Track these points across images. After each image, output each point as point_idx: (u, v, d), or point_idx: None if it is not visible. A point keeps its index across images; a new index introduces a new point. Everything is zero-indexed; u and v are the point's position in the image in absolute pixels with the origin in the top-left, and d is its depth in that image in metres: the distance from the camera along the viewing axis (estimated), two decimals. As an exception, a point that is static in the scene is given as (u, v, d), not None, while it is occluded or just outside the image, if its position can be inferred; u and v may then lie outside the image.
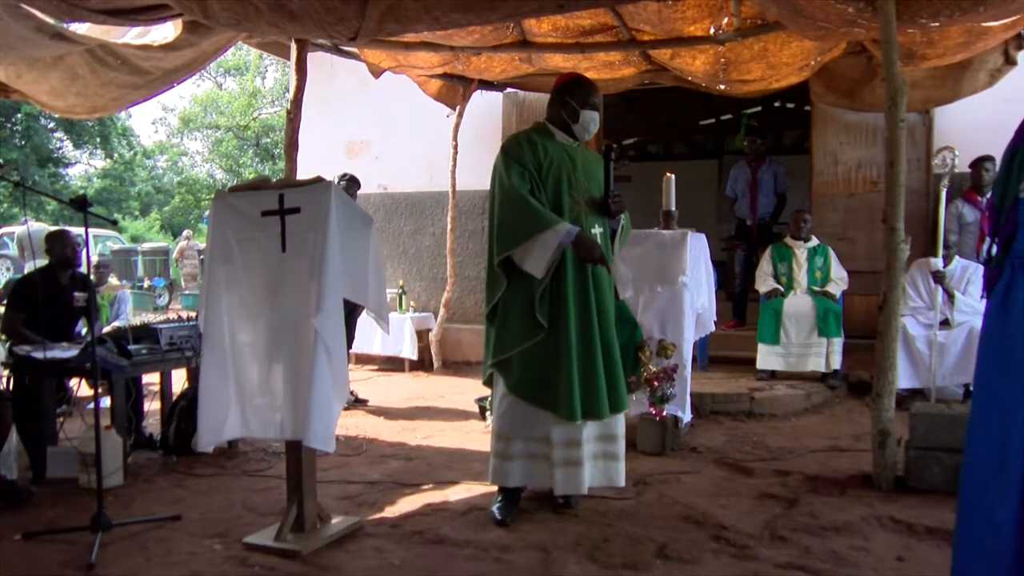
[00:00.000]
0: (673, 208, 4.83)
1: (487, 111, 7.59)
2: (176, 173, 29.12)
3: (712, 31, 4.94)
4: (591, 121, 3.37)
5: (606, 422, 3.34)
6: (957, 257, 5.51)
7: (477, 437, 4.86)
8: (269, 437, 3.34)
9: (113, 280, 7.31)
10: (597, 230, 3.35)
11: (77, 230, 8.20)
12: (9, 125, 21.70)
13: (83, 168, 27.72)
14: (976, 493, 2.02)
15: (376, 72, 6.11)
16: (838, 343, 5.75)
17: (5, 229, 16.09)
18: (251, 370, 3.12)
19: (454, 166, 7.24)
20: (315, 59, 5.73)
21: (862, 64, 5.73)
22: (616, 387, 3.32)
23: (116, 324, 5.95)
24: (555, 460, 3.26)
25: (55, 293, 4.75)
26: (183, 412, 4.39)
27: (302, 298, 2.97)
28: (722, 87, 5.94)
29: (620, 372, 3.37)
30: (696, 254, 4.69)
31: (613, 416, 3.35)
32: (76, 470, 3.86)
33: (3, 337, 4.86)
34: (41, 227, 10.28)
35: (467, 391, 6.07)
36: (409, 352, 7.33)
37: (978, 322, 4.53)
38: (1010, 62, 5.37)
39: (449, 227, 7.40)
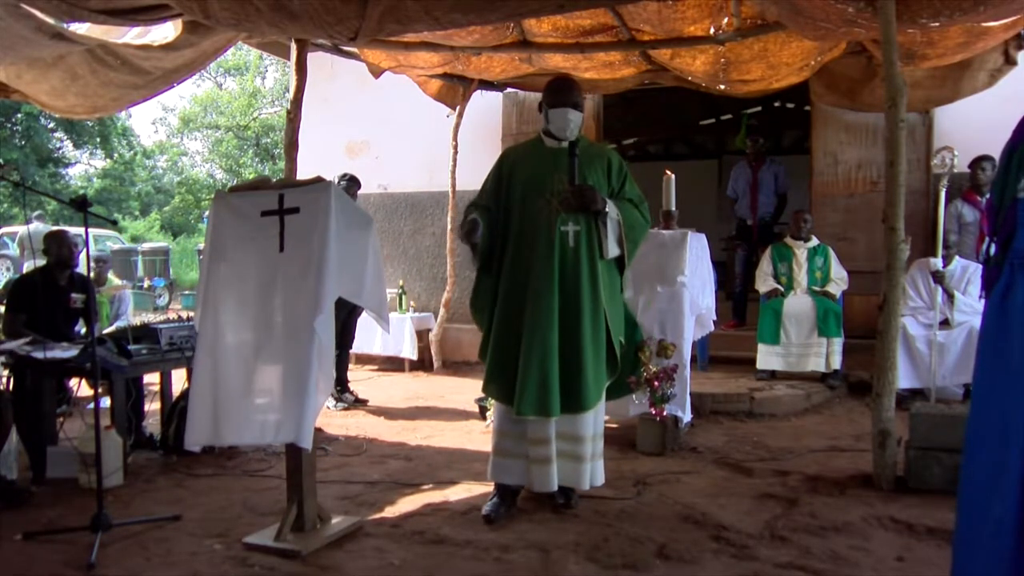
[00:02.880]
0: (673, 208, 4.83)
1: (487, 111, 7.59)
2: (176, 173, 29.06)
3: (712, 31, 4.94)
4: (559, 118, 3.41)
5: (569, 422, 3.35)
6: (957, 257, 5.51)
7: (477, 437, 4.86)
8: (245, 443, 3.32)
9: (116, 280, 7.30)
10: (570, 228, 3.35)
11: (76, 230, 8.20)
12: (9, 125, 21.67)
13: (83, 168, 27.71)
14: (975, 492, 2.02)
15: (376, 72, 6.11)
16: (838, 343, 5.75)
17: (5, 229, 16.07)
18: (242, 370, 3.10)
19: (454, 166, 7.24)
20: (315, 59, 5.73)
21: (862, 64, 5.72)
22: (576, 388, 3.30)
23: (117, 324, 5.95)
24: (530, 457, 3.37)
25: (53, 293, 4.75)
26: (183, 412, 4.35)
27: (298, 298, 2.97)
28: (722, 87, 5.94)
29: (586, 375, 3.31)
30: (697, 254, 4.69)
31: (575, 416, 3.34)
32: (76, 470, 3.86)
33: (3, 338, 4.85)
34: (43, 227, 10.27)
35: (467, 391, 6.06)
36: (409, 352, 7.33)
37: (978, 322, 4.54)
38: (1010, 62, 5.37)
39: (449, 227, 7.40)
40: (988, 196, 2.32)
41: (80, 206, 3.17)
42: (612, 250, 3.39)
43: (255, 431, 3.05)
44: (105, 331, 4.89)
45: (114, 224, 9.24)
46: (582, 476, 3.39)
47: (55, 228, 6.15)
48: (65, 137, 23.90)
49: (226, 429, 3.09)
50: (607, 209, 3.35)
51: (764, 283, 6.11)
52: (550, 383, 3.26)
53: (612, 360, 3.46)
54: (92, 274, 6.82)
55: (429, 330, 7.65)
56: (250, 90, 25.67)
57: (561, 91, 3.45)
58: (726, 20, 4.76)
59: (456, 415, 5.57)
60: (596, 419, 3.47)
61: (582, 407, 3.32)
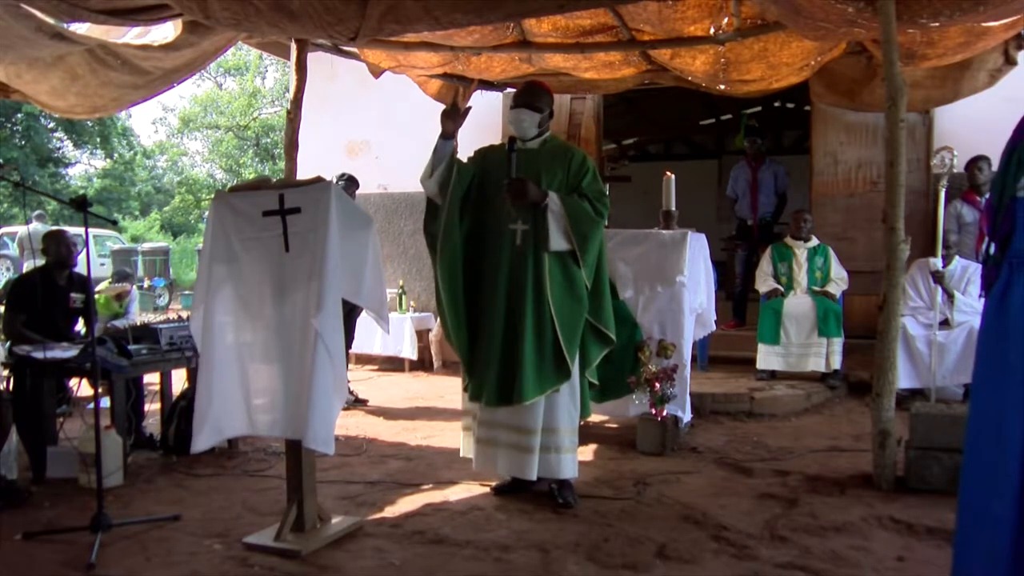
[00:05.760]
0: (673, 208, 4.83)
1: (487, 111, 7.58)
2: (176, 173, 29.05)
3: (712, 31, 4.94)
4: (513, 118, 3.61)
5: (514, 413, 3.46)
6: (957, 257, 5.50)
7: (477, 437, 4.85)
8: (272, 435, 3.37)
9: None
10: (519, 227, 3.49)
11: (76, 230, 8.18)
12: (9, 125, 21.64)
13: (83, 168, 27.69)
14: (975, 491, 2.03)
15: (376, 72, 6.11)
16: (838, 343, 5.75)
17: (5, 229, 16.06)
18: (254, 370, 3.13)
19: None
20: (315, 59, 5.73)
21: (862, 64, 5.72)
22: (513, 381, 3.40)
23: (123, 322, 5.95)
24: (478, 437, 3.59)
25: (53, 293, 4.75)
26: (183, 412, 4.39)
27: (305, 298, 2.97)
28: (722, 87, 5.94)
29: (524, 370, 3.39)
30: (695, 254, 4.69)
31: (518, 408, 3.43)
32: (76, 470, 3.86)
33: (3, 337, 4.86)
34: (43, 227, 10.27)
35: (467, 391, 6.06)
36: (409, 352, 7.32)
37: (978, 322, 4.54)
38: (1010, 62, 5.36)
39: (449, 227, 7.38)
40: (988, 196, 2.32)
41: (80, 206, 3.17)
42: (556, 243, 3.45)
43: (275, 427, 3.10)
44: (113, 323, 4.87)
45: (114, 224, 9.25)
46: (526, 466, 3.47)
47: (54, 228, 6.14)
48: (65, 137, 23.88)
49: (239, 427, 3.17)
50: (548, 202, 3.43)
51: (764, 283, 6.10)
52: (487, 372, 3.45)
53: (560, 359, 3.45)
54: (119, 305, 6.77)
55: (429, 330, 7.65)
56: (250, 90, 25.65)
57: (519, 94, 3.64)
58: (726, 20, 4.76)
59: (456, 415, 5.53)
60: (559, 412, 3.51)
61: (518, 399, 3.41)
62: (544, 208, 3.43)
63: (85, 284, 4.83)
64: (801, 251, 6.05)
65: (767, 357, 5.88)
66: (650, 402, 4.33)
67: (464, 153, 3.79)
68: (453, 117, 3.57)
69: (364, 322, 6.17)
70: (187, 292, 14.78)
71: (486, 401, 3.48)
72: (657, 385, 4.25)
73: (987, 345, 2.07)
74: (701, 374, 6.08)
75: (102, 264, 15.19)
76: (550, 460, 3.49)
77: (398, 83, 6.73)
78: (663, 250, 4.57)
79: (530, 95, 3.61)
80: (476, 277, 3.61)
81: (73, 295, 4.85)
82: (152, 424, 4.82)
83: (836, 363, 5.77)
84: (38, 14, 3.59)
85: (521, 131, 3.58)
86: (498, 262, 3.51)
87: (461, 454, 3.85)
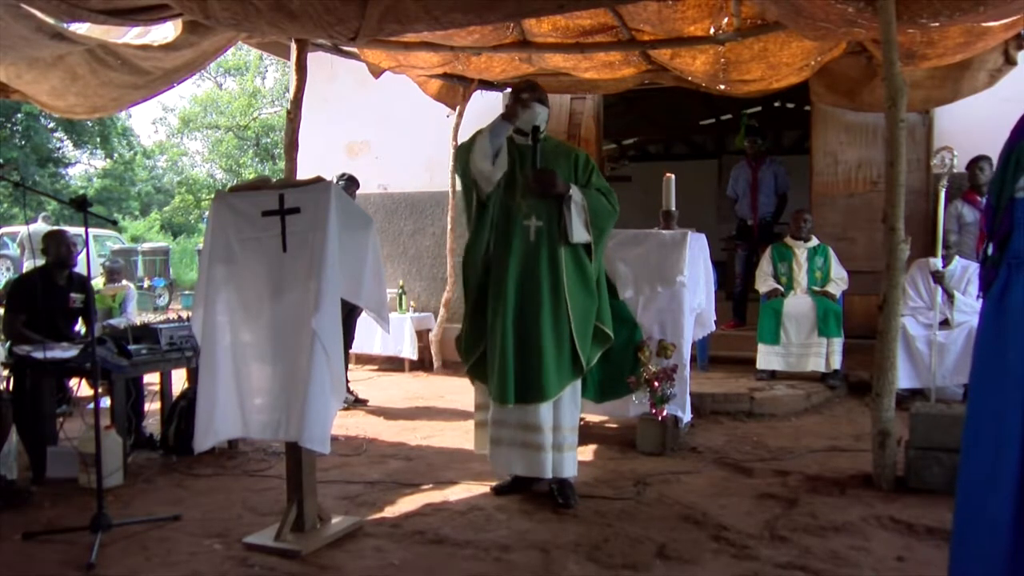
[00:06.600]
0: (673, 208, 4.83)
1: (487, 111, 7.56)
2: (176, 173, 29.03)
3: (712, 31, 4.94)
4: (532, 113, 3.56)
5: (524, 411, 3.45)
6: (957, 257, 5.50)
7: (477, 437, 4.85)
8: (266, 438, 3.36)
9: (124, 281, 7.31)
10: (532, 223, 3.48)
11: (76, 230, 8.18)
12: (9, 125, 21.62)
13: (83, 168, 27.68)
14: (972, 491, 2.03)
15: (376, 72, 6.11)
16: (838, 343, 5.75)
17: (6, 229, 16.06)
18: (251, 370, 3.13)
19: (454, 166, 7.23)
20: (315, 59, 5.73)
21: (862, 64, 5.72)
22: (534, 379, 3.40)
23: (117, 321, 5.96)
24: (491, 437, 3.56)
25: (53, 293, 4.75)
26: (183, 412, 4.39)
27: (302, 298, 2.97)
28: (722, 87, 5.94)
29: (545, 367, 3.40)
30: (695, 254, 4.69)
31: (530, 406, 3.43)
32: (76, 470, 3.86)
33: (3, 337, 4.86)
34: (45, 227, 10.28)
35: (467, 391, 6.00)
36: (409, 352, 7.33)
37: (977, 322, 4.53)
38: (1010, 62, 5.37)
39: (449, 227, 7.40)
40: (987, 196, 2.32)
41: (80, 206, 3.18)
42: (579, 235, 3.47)
43: (271, 429, 3.09)
44: (109, 321, 4.87)
45: (114, 224, 9.27)
46: (541, 465, 3.46)
47: (54, 228, 6.14)
48: (65, 137, 23.86)
49: (234, 428, 3.14)
50: (571, 193, 3.44)
51: (764, 283, 6.10)
52: (506, 372, 3.41)
53: (575, 354, 3.49)
54: (112, 298, 6.77)
55: (429, 330, 7.65)
56: (250, 90, 25.64)
57: (531, 89, 3.64)
58: (726, 20, 4.76)
59: (456, 415, 5.57)
60: (562, 410, 3.51)
61: (541, 398, 3.41)
62: (568, 200, 3.44)
63: (85, 284, 4.84)
64: (801, 251, 6.05)
65: (767, 357, 5.88)
66: (650, 402, 4.33)
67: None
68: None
69: (364, 322, 6.17)
70: (187, 292, 14.78)
71: (503, 400, 3.43)
72: (657, 385, 4.25)
73: (985, 345, 2.07)
74: (701, 374, 6.08)
75: (103, 264, 15.20)
76: (553, 458, 3.49)
77: (398, 83, 6.73)
78: (663, 250, 4.57)
79: (540, 91, 3.66)
80: (489, 274, 3.58)
81: (73, 295, 4.85)
82: (152, 424, 4.82)
83: (836, 363, 5.77)
84: (38, 14, 3.59)
85: (528, 122, 3.56)
86: (508, 259, 3.48)
87: (475, 451, 3.81)
